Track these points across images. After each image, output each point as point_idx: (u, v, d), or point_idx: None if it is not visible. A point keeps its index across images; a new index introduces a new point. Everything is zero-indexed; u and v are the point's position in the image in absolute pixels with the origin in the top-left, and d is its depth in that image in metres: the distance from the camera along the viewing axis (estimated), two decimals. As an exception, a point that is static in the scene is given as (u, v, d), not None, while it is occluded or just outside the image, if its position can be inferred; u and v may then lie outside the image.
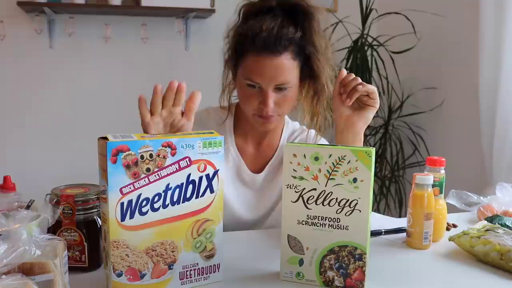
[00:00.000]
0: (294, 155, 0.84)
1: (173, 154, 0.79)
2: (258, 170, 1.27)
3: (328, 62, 1.17)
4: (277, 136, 1.30)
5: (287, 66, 1.10)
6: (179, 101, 0.99)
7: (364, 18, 2.83)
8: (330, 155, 0.82)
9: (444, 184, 1.11)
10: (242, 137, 1.27)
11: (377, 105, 1.11)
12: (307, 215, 0.85)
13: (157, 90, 0.98)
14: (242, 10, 1.16)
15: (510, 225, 1.07)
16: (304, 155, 0.83)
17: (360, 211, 0.82)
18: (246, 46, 1.11)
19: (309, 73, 1.16)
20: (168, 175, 0.79)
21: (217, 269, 0.87)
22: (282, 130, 1.30)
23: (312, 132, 1.29)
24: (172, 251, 0.81)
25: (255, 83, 1.11)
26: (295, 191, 0.85)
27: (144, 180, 0.77)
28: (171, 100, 0.98)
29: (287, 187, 0.86)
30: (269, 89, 1.10)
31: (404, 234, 1.09)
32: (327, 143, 1.32)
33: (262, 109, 1.12)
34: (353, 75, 1.09)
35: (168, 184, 0.79)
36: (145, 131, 0.98)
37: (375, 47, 2.81)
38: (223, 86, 1.24)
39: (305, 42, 1.12)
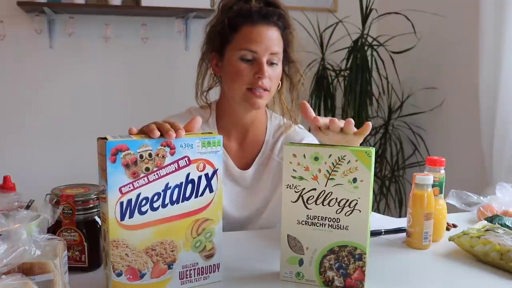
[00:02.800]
0: (294, 155, 0.84)
1: (172, 154, 0.79)
2: (244, 167, 1.27)
3: (299, 47, 1.26)
4: (261, 131, 1.29)
5: (278, 38, 1.18)
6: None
7: (364, 18, 2.82)
8: (330, 155, 0.82)
9: (444, 184, 1.11)
10: (226, 133, 1.26)
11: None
12: (307, 215, 0.85)
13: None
14: (221, 4, 1.22)
15: (510, 225, 1.07)
16: (304, 155, 0.83)
17: (360, 211, 0.82)
18: (241, 20, 1.16)
19: (286, 56, 1.23)
20: (167, 174, 0.79)
21: (216, 269, 0.86)
22: (267, 125, 1.30)
23: (298, 127, 1.32)
24: (172, 251, 0.81)
25: (252, 51, 1.14)
26: (295, 191, 0.85)
27: (143, 180, 0.77)
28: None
29: (287, 187, 0.86)
30: (264, 58, 1.15)
31: (404, 234, 1.09)
32: (316, 140, 1.31)
33: (257, 80, 1.14)
34: (327, 121, 0.94)
35: (168, 184, 0.79)
36: None
37: (375, 47, 2.81)
38: (196, 86, 1.27)
39: (286, 22, 1.20)
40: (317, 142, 1.30)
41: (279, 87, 1.24)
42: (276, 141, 1.29)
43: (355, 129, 0.95)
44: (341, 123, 0.95)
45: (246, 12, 1.16)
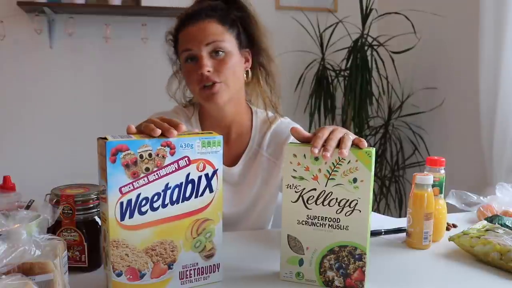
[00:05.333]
0: (294, 155, 0.84)
1: (172, 154, 0.79)
2: (231, 163, 1.26)
3: (266, 33, 1.24)
4: (246, 128, 1.28)
5: (213, 28, 1.16)
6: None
7: (364, 18, 2.82)
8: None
9: (444, 184, 1.11)
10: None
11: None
12: (307, 215, 0.85)
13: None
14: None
15: (510, 225, 1.07)
16: (304, 155, 0.83)
17: (360, 211, 0.82)
18: (176, 31, 1.22)
19: (248, 41, 1.22)
20: (167, 174, 0.79)
21: (217, 269, 0.86)
22: (252, 121, 1.29)
23: (284, 119, 1.31)
24: (172, 251, 0.81)
25: (187, 50, 1.17)
26: (295, 191, 0.85)
27: (144, 180, 0.77)
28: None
29: (287, 187, 0.85)
30: (202, 52, 1.15)
31: (404, 234, 1.09)
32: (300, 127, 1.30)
33: (201, 76, 1.14)
34: (324, 136, 0.83)
35: (168, 184, 0.79)
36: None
37: (375, 47, 2.81)
38: (170, 94, 1.30)
39: (231, 9, 1.19)
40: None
41: (248, 78, 1.23)
42: (263, 136, 1.27)
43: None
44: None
45: (180, 21, 1.20)
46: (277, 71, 1.27)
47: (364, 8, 2.82)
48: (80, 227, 0.88)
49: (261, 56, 1.24)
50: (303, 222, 0.85)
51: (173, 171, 0.79)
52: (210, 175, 0.83)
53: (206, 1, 1.20)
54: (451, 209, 1.19)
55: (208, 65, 1.14)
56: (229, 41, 1.17)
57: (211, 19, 1.17)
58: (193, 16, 1.17)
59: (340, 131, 0.85)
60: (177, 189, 0.80)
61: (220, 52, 1.16)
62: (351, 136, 0.84)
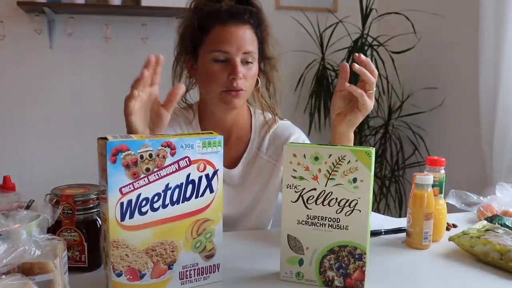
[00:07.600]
0: (294, 155, 0.84)
1: (172, 154, 0.79)
2: (231, 165, 1.26)
3: (276, 43, 1.24)
4: (246, 130, 1.28)
5: (251, 37, 1.16)
6: (156, 77, 1.05)
7: (364, 18, 2.83)
8: (330, 155, 0.82)
9: (444, 184, 1.11)
10: None
11: (365, 111, 1.06)
12: (307, 215, 0.85)
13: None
14: (192, 4, 1.20)
15: (510, 225, 1.07)
16: (304, 155, 0.83)
17: (360, 211, 0.82)
18: (211, 21, 1.14)
19: (262, 53, 1.22)
20: (167, 175, 0.79)
21: (217, 269, 0.87)
22: (251, 123, 1.29)
23: (284, 122, 1.31)
24: (172, 251, 0.81)
25: (223, 52, 1.13)
26: (295, 191, 0.85)
27: (144, 180, 0.77)
28: (148, 78, 1.02)
29: (287, 187, 0.86)
30: (237, 58, 1.13)
31: (404, 234, 1.09)
32: (301, 132, 1.31)
33: (232, 81, 1.13)
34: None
35: (168, 184, 0.79)
36: (127, 119, 0.97)
37: (375, 47, 2.81)
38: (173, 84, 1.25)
39: (261, 19, 1.20)
40: (306, 138, 1.30)
41: (257, 85, 1.23)
42: (263, 138, 1.27)
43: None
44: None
45: (216, 12, 1.14)
46: (278, 78, 1.26)
47: (364, 8, 2.82)
48: (80, 227, 0.88)
49: (265, 64, 1.24)
50: (303, 222, 0.85)
51: (173, 172, 0.79)
52: (210, 175, 0.83)
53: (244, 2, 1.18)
54: (451, 209, 1.20)
55: (241, 72, 1.13)
56: (256, 50, 1.18)
57: (250, 26, 1.16)
58: (236, 15, 1.14)
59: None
60: (177, 190, 0.80)
61: (250, 62, 1.16)
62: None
